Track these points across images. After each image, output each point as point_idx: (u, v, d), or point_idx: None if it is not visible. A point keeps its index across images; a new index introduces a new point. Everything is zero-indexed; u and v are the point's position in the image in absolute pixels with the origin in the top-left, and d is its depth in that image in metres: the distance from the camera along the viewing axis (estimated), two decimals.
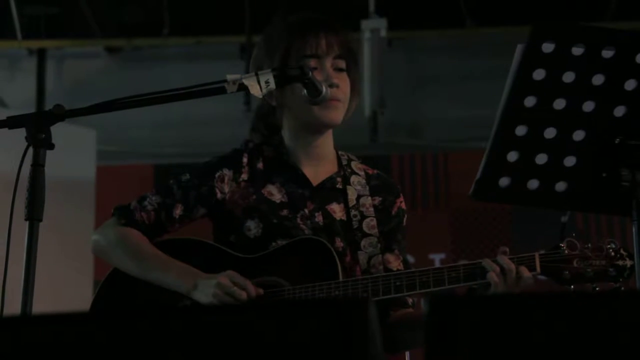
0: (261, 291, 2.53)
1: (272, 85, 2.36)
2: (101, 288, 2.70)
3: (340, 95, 2.65)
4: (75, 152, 5.82)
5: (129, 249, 2.65)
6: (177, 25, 6.62)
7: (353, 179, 2.77)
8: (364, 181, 2.79)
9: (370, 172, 2.84)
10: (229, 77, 2.33)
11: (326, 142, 2.77)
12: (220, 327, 1.33)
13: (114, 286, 2.69)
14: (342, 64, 2.68)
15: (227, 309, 1.53)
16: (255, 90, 2.34)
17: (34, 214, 2.15)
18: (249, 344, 1.31)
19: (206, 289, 2.50)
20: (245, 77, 2.35)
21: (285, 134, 2.77)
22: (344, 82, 2.67)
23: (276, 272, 2.59)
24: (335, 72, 2.67)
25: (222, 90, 2.33)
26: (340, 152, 2.82)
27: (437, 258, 6.18)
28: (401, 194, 2.83)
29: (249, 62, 2.71)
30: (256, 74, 2.35)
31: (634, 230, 2.24)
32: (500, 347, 1.31)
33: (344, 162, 2.80)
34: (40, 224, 2.14)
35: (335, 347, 1.29)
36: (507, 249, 2.49)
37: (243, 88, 2.34)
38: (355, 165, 2.82)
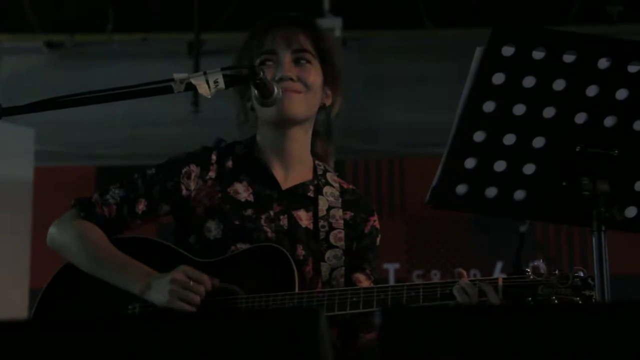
0: (217, 281, 2.52)
1: (222, 85, 2.32)
2: (45, 293, 2.65)
3: (296, 86, 2.63)
4: (11, 152, 5.78)
5: (84, 245, 2.62)
6: (122, 20, 6.54)
7: (326, 189, 2.75)
8: (337, 193, 2.76)
9: (345, 186, 2.80)
10: (176, 75, 2.29)
11: (298, 147, 2.72)
12: (166, 337, 1.32)
13: (58, 291, 2.65)
14: (305, 56, 2.67)
15: (173, 318, 1.52)
16: (204, 90, 2.31)
17: None
18: (195, 354, 1.31)
19: (160, 287, 2.49)
20: (193, 76, 2.31)
21: (258, 135, 2.76)
22: (306, 74, 2.65)
23: (232, 278, 2.56)
24: (295, 65, 2.65)
25: (168, 90, 2.30)
26: (317, 162, 2.79)
27: (391, 268, 6.16)
28: (375, 213, 2.80)
29: (197, 60, 2.61)
30: (204, 73, 2.32)
31: (594, 241, 2.21)
32: (454, 358, 1.32)
33: (320, 172, 2.77)
34: None
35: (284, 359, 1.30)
36: (464, 272, 2.46)
37: (191, 87, 2.30)
38: (330, 176, 2.79)
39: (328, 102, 2.72)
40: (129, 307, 2.55)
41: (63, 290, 2.64)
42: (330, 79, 2.70)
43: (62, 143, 6.53)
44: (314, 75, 2.65)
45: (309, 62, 2.65)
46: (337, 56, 2.78)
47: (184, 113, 6.22)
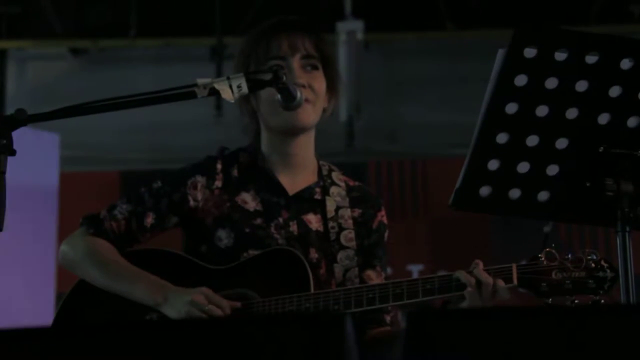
0: (238, 304, 2.49)
1: (245, 89, 2.30)
2: (66, 301, 2.65)
3: (308, 95, 2.61)
4: (37, 157, 5.75)
5: (96, 261, 2.61)
6: (145, 26, 6.57)
7: (333, 189, 2.73)
8: (344, 192, 2.74)
9: (351, 183, 2.79)
10: (200, 81, 2.28)
11: (304, 151, 2.72)
12: (189, 343, 1.31)
13: (79, 299, 2.64)
14: (312, 62, 2.66)
15: (196, 324, 1.51)
16: (227, 95, 2.29)
17: None
18: None
19: (178, 305, 2.47)
20: (217, 81, 2.29)
21: (262, 140, 2.73)
22: (315, 81, 2.64)
23: (247, 283, 2.55)
24: (304, 71, 2.64)
25: (192, 95, 2.28)
26: (321, 162, 2.78)
27: (415, 269, 6.13)
28: (382, 208, 2.78)
29: (220, 64, 2.58)
30: (228, 78, 2.30)
31: (618, 241, 2.19)
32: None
33: (325, 173, 2.76)
34: (0, 232, 2.07)
35: None
36: (481, 262, 2.44)
37: (214, 92, 2.28)
38: (336, 176, 2.78)
39: (327, 106, 2.71)
40: (147, 316, 2.52)
41: (83, 298, 2.64)
42: (331, 83, 2.69)
43: (86, 148, 6.56)
44: (320, 81, 2.64)
45: (315, 68, 2.64)
46: (336, 60, 2.77)
47: (208, 118, 6.23)
